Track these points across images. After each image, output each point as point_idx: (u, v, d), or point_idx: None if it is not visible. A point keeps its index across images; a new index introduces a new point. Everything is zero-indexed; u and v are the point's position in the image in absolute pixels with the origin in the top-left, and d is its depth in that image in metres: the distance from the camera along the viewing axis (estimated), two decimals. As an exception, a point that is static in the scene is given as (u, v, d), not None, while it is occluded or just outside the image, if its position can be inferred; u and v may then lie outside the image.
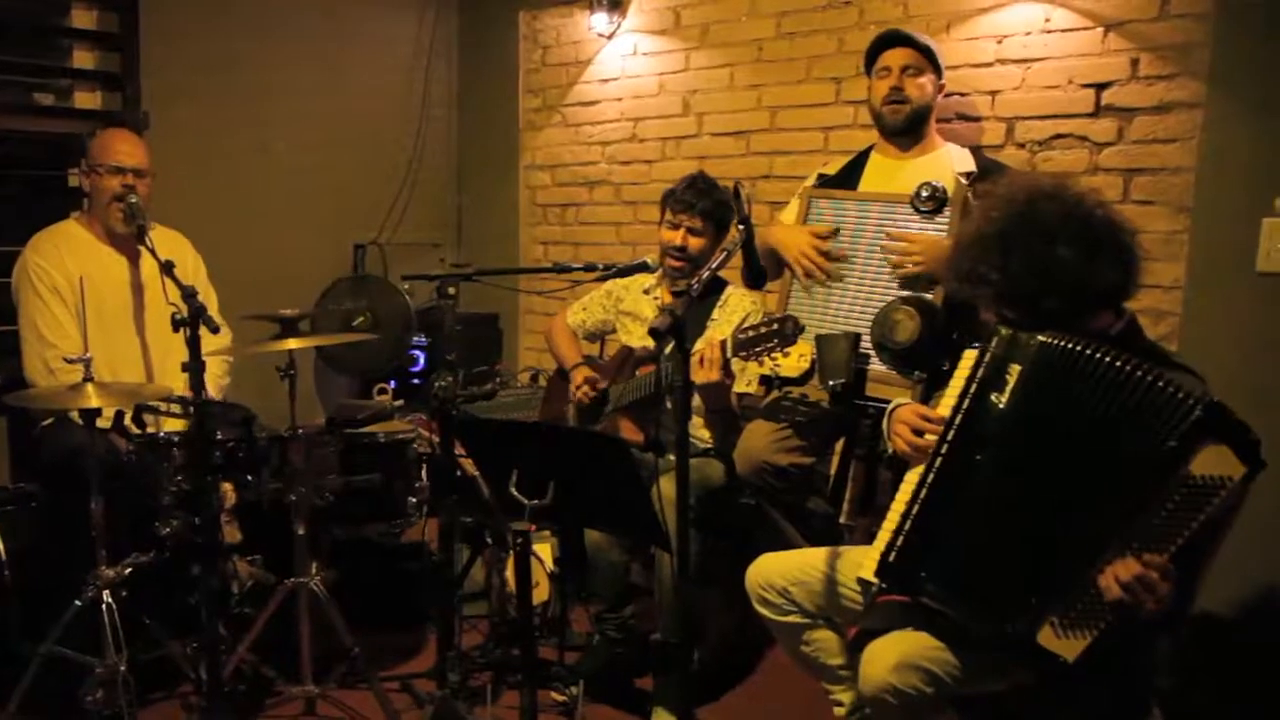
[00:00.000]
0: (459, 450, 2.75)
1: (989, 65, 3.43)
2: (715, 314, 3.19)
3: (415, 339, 4.84)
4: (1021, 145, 3.38)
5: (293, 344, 2.82)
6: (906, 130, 3.04)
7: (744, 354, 2.57)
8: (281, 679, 2.96)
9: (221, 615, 2.79)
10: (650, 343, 2.83)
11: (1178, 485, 1.72)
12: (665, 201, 3.21)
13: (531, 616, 2.38)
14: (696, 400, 2.93)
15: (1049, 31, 3.29)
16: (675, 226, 3.16)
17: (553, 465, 2.24)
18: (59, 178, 4.01)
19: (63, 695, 2.63)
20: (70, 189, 3.96)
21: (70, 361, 2.66)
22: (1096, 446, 1.83)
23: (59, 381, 2.96)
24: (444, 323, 2.71)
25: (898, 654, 1.97)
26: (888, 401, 2.35)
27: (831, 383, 2.65)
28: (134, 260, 3.27)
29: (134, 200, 3.04)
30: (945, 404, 2.05)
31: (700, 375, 2.68)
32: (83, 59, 4.14)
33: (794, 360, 2.51)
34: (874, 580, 2.09)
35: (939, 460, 2.01)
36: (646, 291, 3.36)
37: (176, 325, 2.41)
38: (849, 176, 3.11)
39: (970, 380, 1.99)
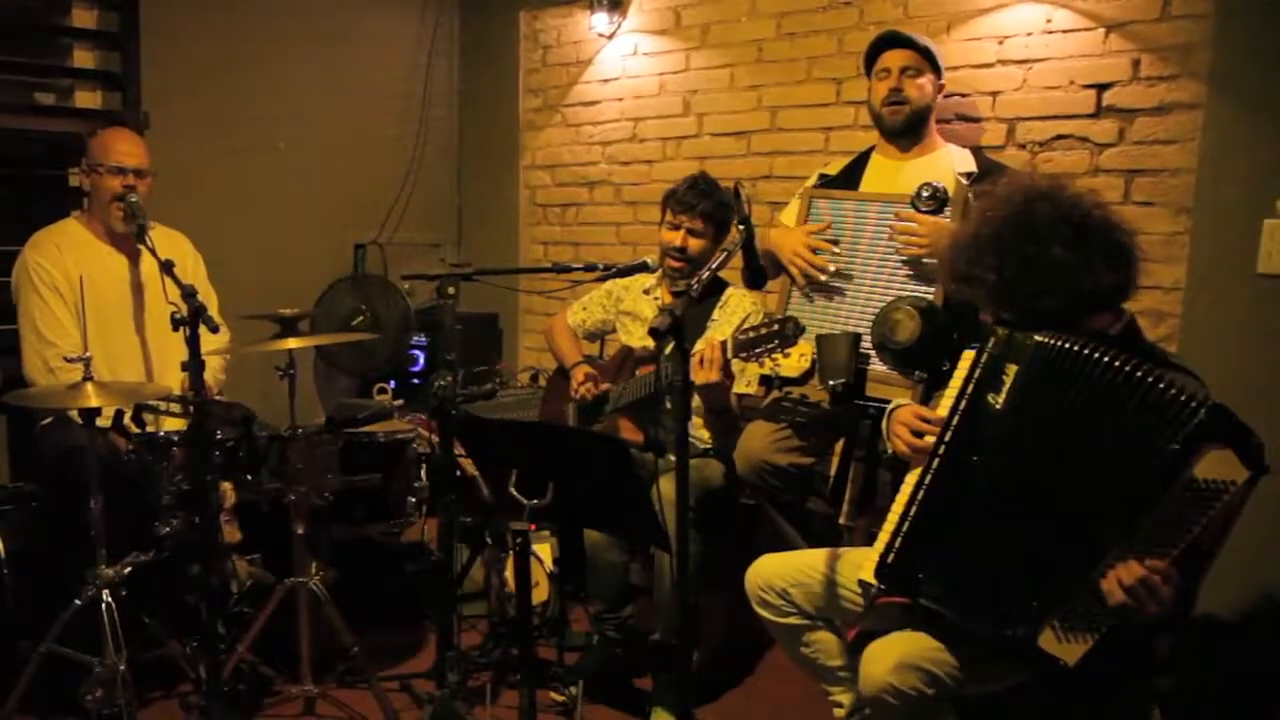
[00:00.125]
0: (458, 450, 2.75)
1: (990, 66, 3.43)
2: (715, 314, 3.19)
3: (415, 339, 4.84)
4: (1022, 146, 3.38)
5: (292, 343, 2.82)
6: (906, 131, 3.04)
7: (744, 355, 2.57)
8: (281, 678, 2.97)
9: (221, 615, 2.79)
10: (650, 343, 2.83)
11: (1180, 489, 1.70)
12: (666, 202, 3.21)
13: (531, 616, 2.38)
14: (696, 401, 2.93)
15: (1050, 32, 3.29)
16: (675, 227, 3.16)
17: (552, 465, 2.24)
18: (59, 177, 4.00)
19: (62, 694, 2.63)
20: (70, 188, 3.96)
21: (70, 360, 2.66)
22: (1096, 448, 1.82)
23: (59, 380, 2.96)
24: (444, 322, 2.71)
25: (897, 655, 1.97)
26: (888, 402, 2.34)
27: (832, 383, 2.65)
28: (134, 259, 3.27)
29: (134, 200, 3.04)
30: (944, 405, 2.05)
31: (701, 375, 2.68)
32: (83, 58, 4.14)
33: (794, 360, 2.51)
34: (873, 582, 2.09)
35: (936, 462, 2.01)
36: (647, 291, 3.36)
37: (176, 324, 2.41)
38: (850, 177, 3.11)
39: (967, 381, 1.99)
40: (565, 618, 3.28)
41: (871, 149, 3.16)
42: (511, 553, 2.24)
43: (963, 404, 1.98)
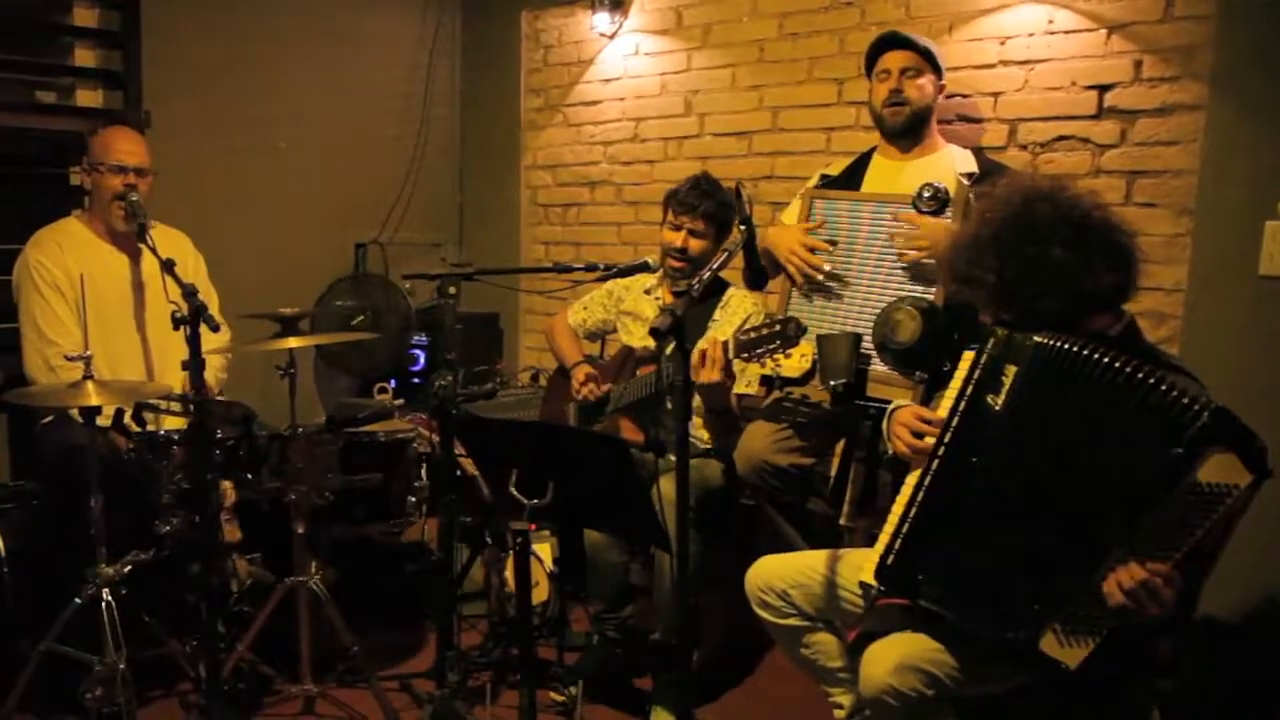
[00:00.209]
0: (459, 450, 2.75)
1: (991, 67, 3.43)
2: (717, 315, 3.19)
3: (415, 338, 4.84)
4: (1024, 147, 3.37)
5: (293, 343, 2.82)
6: (907, 132, 3.04)
7: (746, 355, 2.57)
8: (280, 677, 2.97)
9: (221, 613, 2.79)
10: (651, 343, 2.83)
11: (1183, 492, 1.69)
12: (668, 203, 3.21)
13: (531, 616, 2.38)
14: (695, 401, 2.93)
15: (1052, 33, 3.28)
16: (677, 228, 3.16)
17: (552, 465, 2.24)
18: (60, 176, 4.00)
19: (62, 693, 2.63)
20: (71, 187, 3.96)
21: (71, 359, 2.67)
22: (1097, 450, 1.81)
23: (59, 379, 2.96)
24: (444, 322, 2.70)
25: (898, 656, 1.97)
26: (889, 402, 2.34)
27: (833, 383, 2.65)
28: (135, 258, 3.27)
29: (135, 199, 3.04)
30: (943, 406, 2.04)
31: (703, 375, 2.68)
32: (84, 57, 4.14)
33: (795, 361, 2.51)
34: (873, 583, 2.08)
35: (936, 463, 2.00)
36: (648, 291, 3.36)
37: (177, 323, 2.41)
38: (851, 178, 3.11)
39: (967, 382, 1.99)
40: (565, 618, 3.28)
41: (873, 150, 3.17)
42: (511, 552, 2.24)
43: (962, 405, 1.98)
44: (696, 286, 2.16)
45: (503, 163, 5.22)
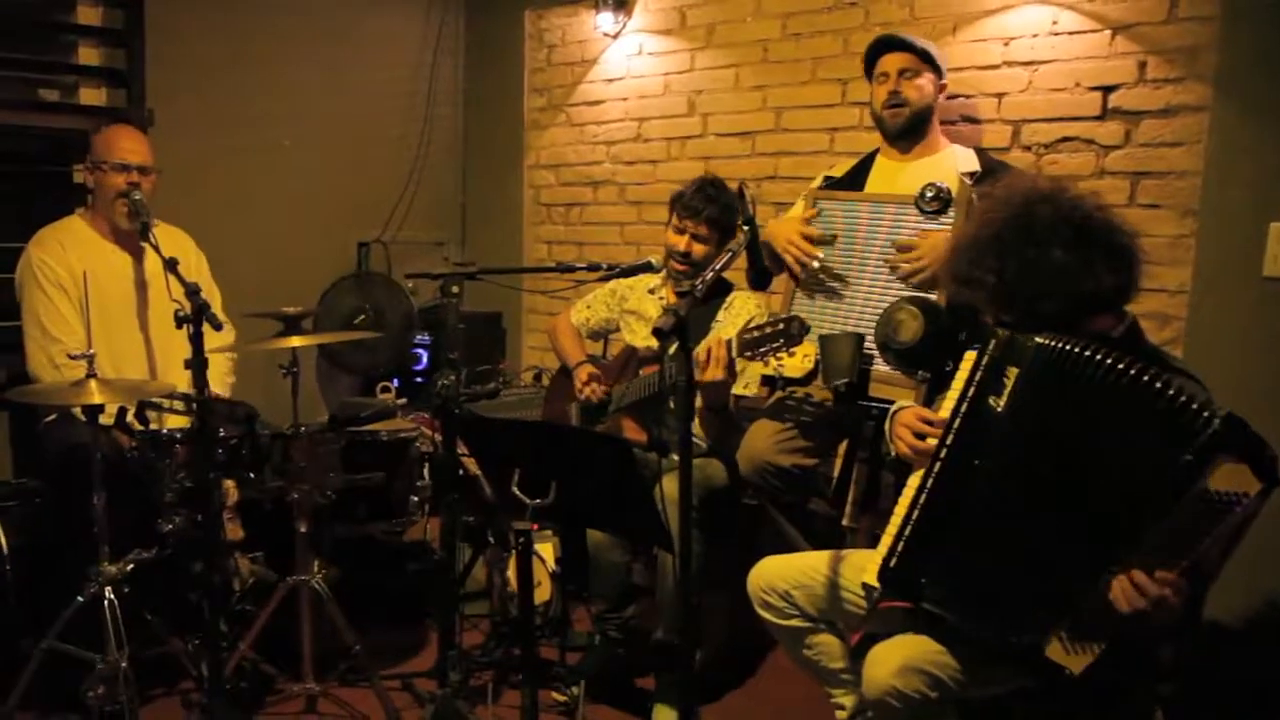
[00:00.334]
0: (461, 449, 2.74)
1: (995, 67, 3.43)
2: (720, 316, 3.19)
3: (418, 337, 4.84)
4: (1028, 148, 3.37)
5: (296, 342, 2.82)
6: (907, 133, 3.05)
7: (749, 353, 2.57)
8: (282, 676, 2.97)
9: (223, 612, 2.79)
10: (654, 342, 2.82)
11: (1192, 500, 1.67)
12: (673, 205, 3.20)
13: (533, 616, 2.37)
14: (697, 400, 2.93)
15: (1056, 34, 3.28)
16: (681, 231, 3.15)
17: (555, 465, 2.24)
18: (63, 174, 4.01)
19: (64, 691, 2.63)
20: (75, 185, 3.97)
21: (74, 357, 2.67)
22: (1101, 453, 1.80)
23: (63, 377, 2.96)
24: (447, 321, 2.70)
25: (901, 658, 1.96)
26: (891, 402, 2.34)
27: (835, 383, 2.65)
28: (138, 257, 3.28)
29: (138, 197, 3.04)
30: (945, 407, 2.04)
31: (706, 374, 2.68)
32: (88, 55, 4.14)
33: (798, 360, 2.51)
34: (876, 585, 2.08)
35: (938, 465, 2.00)
36: (651, 291, 3.36)
37: (179, 322, 2.41)
38: (855, 179, 3.12)
39: (968, 384, 1.98)
40: (567, 617, 3.28)
41: (876, 151, 3.17)
42: (514, 552, 2.24)
43: (964, 407, 1.97)
44: (700, 287, 2.16)
45: (506, 162, 5.22)
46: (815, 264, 2.83)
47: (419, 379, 4.85)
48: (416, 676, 3.09)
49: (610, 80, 4.71)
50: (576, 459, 2.28)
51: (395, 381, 4.58)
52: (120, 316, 3.22)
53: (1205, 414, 1.67)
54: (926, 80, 3.02)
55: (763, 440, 2.95)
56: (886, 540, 2.06)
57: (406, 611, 3.51)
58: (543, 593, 3.37)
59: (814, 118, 3.96)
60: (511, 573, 3.24)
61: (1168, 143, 3.10)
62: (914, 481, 2.06)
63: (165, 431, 2.90)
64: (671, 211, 3.21)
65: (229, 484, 2.96)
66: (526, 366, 4.90)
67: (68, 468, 2.85)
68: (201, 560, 2.69)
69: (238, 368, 3.51)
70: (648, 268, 2.92)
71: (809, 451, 2.94)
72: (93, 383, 2.54)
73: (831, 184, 3.13)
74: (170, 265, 2.60)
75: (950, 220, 2.70)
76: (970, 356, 2.00)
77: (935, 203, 2.71)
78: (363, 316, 4.66)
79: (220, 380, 3.34)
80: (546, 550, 3.37)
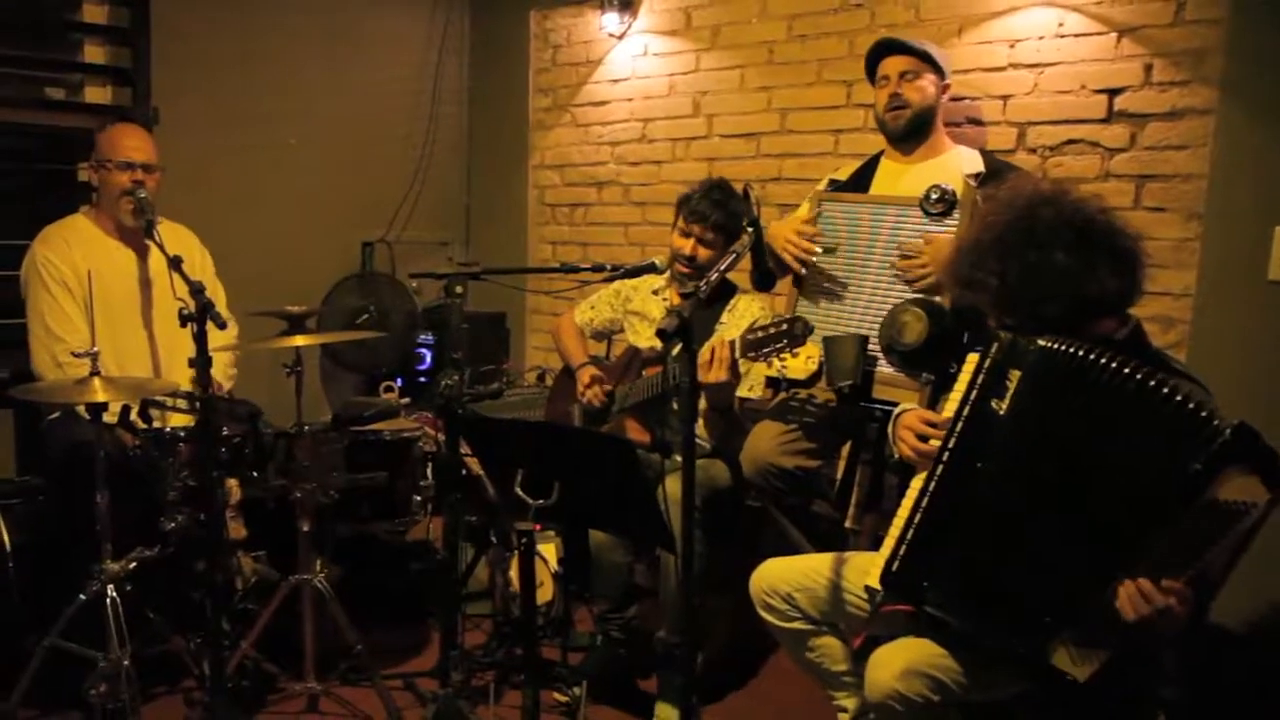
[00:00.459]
0: (464, 449, 2.74)
1: (1001, 70, 3.42)
2: (724, 318, 3.18)
3: (422, 337, 4.85)
4: (1033, 150, 3.36)
5: (299, 341, 2.82)
6: (910, 135, 3.04)
7: (752, 354, 2.57)
8: (284, 675, 2.97)
9: (225, 611, 2.79)
10: (657, 343, 2.82)
11: (1200, 509, 1.65)
12: (680, 207, 3.19)
13: (535, 616, 2.37)
14: (701, 402, 2.92)
15: (1062, 36, 3.27)
16: (687, 235, 3.15)
17: (558, 465, 2.24)
18: (69, 172, 4.02)
19: (66, 688, 2.63)
20: (79, 183, 3.97)
21: (78, 355, 2.67)
22: (1106, 458, 1.79)
23: (66, 375, 2.96)
24: (451, 321, 2.70)
25: (904, 661, 1.96)
26: (895, 404, 2.33)
27: (839, 385, 2.64)
28: (142, 255, 3.28)
29: (143, 195, 3.05)
30: (948, 409, 2.03)
31: (710, 375, 2.68)
32: (93, 54, 4.15)
33: (801, 362, 2.51)
34: (879, 588, 2.08)
35: (940, 469, 1.99)
36: (655, 292, 3.35)
37: (184, 320, 2.41)
38: (859, 181, 3.11)
39: (971, 386, 1.97)
40: (569, 618, 3.28)
41: (881, 153, 3.17)
42: (516, 552, 2.24)
43: (966, 410, 1.97)
44: (704, 288, 2.16)
45: (510, 162, 5.22)
46: (813, 259, 2.83)
47: (422, 379, 4.85)
48: (418, 676, 3.09)
49: (615, 81, 4.70)
50: (579, 459, 2.28)
51: (399, 381, 4.59)
52: (124, 314, 3.23)
53: (1215, 423, 1.65)
54: (928, 82, 3.02)
55: (766, 442, 2.95)
56: (889, 543, 2.05)
57: (409, 611, 3.51)
58: (545, 593, 3.37)
59: (819, 119, 3.95)
60: (514, 573, 3.24)
61: (1173, 146, 3.10)
62: (916, 484, 2.06)
63: (168, 430, 2.91)
64: (678, 214, 3.20)
65: (232, 483, 2.96)
66: (530, 367, 4.90)
67: (71, 466, 2.85)
68: (204, 559, 2.69)
69: (242, 366, 3.51)
70: (652, 269, 2.92)
71: (812, 453, 2.94)
72: (96, 381, 2.55)
73: (836, 187, 3.13)
74: (174, 263, 2.60)
75: (955, 222, 2.70)
76: (973, 359, 2.00)
77: (940, 205, 2.71)
78: (366, 316, 4.67)
79: (223, 371, 3.34)
80: (549, 550, 3.37)
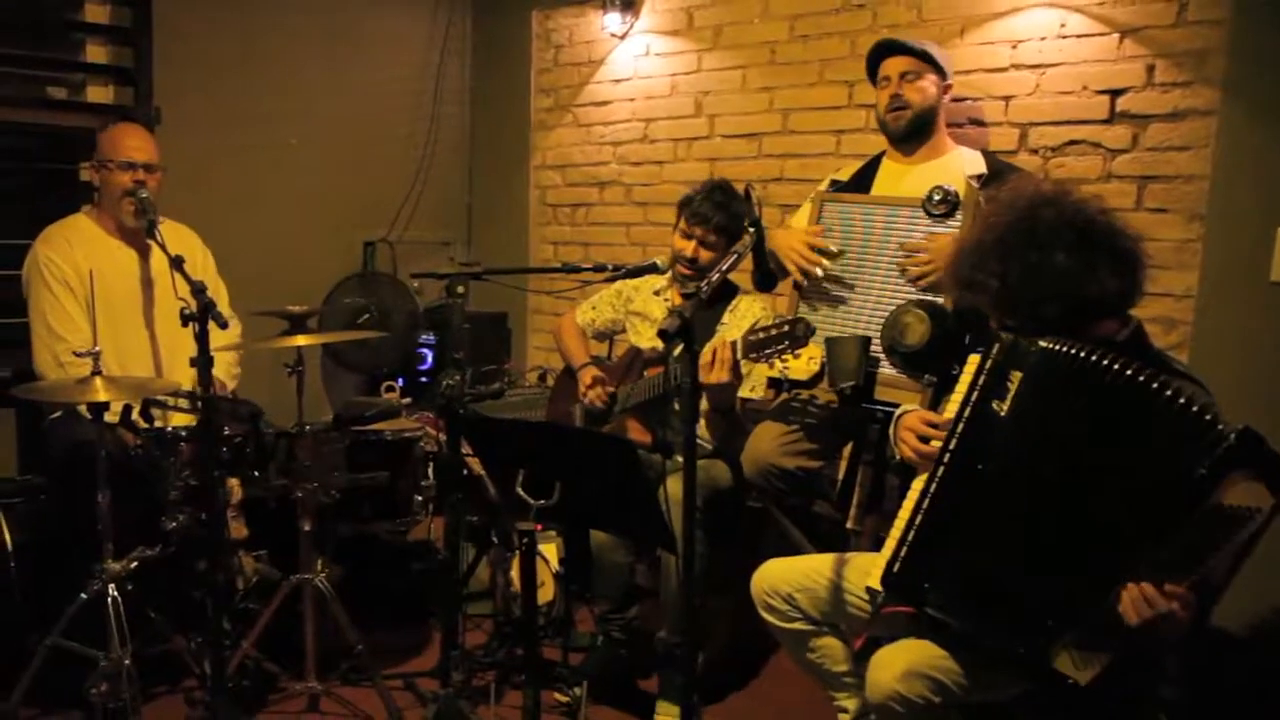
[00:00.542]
0: (465, 449, 2.74)
1: (1003, 70, 3.42)
2: (725, 318, 3.18)
3: (423, 337, 4.85)
4: (1035, 151, 3.36)
5: (301, 341, 2.82)
6: (911, 135, 3.04)
7: (754, 355, 2.57)
8: (285, 675, 2.97)
9: (226, 610, 2.79)
10: (659, 344, 2.82)
11: (1204, 514, 1.64)
12: (682, 209, 3.19)
13: (536, 616, 2.37)
14: (703, 403, 2.92)
15: (1064, 37, 3.27)
16: (688, 237, 3.15)
17: (559, 465, 2.24)
18: (70, 171, 4.02)
19: (67, 688, 2.64)
20: (81, 183, 3.98)
21: (79, 355, 2.67)
22: (1108, 461, 1.78)
23: (68, 375, 2.97)
24: (452, 321, 2.70)
25: (905, 662, 1.96)
26: (897, 405, 2.33)
27: (841, 386, 2.64)
28: (144, 254, 3.28)
29: (145, 195, 3.05)
30: (949, 410, 2.03)
31: (712, 376, 2.68)
32: (96, 53, 4.15)
33: (803, 363, 2.51)
34: (880, 589, 2.08)
35: (941, 470, 1.99)
36: (657, 293, 3.35)
37: (185, 320, 2.41)
38: (861, 182, 3.11)
39: (972, 388, 1.97)
40: (570, 618, 3.28)
41: (882, 154, 3.17)
42: (517, 552, 2.24)
43: (967, 411, 1.97)
44: (705, 289, 2.16)
45: (512, 162, 5.22)
46: (819, 273, 2.83)
47: (424, 379, 4.85)
48: (419, 676, 3.09)
49: (617, 81, 4.70)
50: (581, 460, 2.27)
51: (400, 381, 4.58)
52: (126, 314, 3.23)
53: (1220, 427, 1.65)
54: (929, 82, 3.02)
55: (767, 442, 2.95)
56: (890, 544, 2.05)
57: (410, 611, 3.51)
58: (546, 593, 3.37)
59: (821, 119, 3.95)
60: (515, 573, 3.24)
61: (1175, 147, 3.09)
62: (918, 485, 2.05)
63: (170, 429, 2.91)
64: (679, 216, 3.20)
65: (233, 482, 2.96)
66: (531, 367, 4.90)
67: (72, 465, 2.85)
68: (205, 558, 2.70)
69: (243, 366, 3.51)
70: (653, 269, 2.92)
71: (813, 454, 2.94)
72: (98, 380, 2.55)
73: (838, 187, 3.13)
74: (176, 263, 2.60)
75: (958, 224, 2.70)
76: (974, 360, 2.00)
77: (943, 206, 2.71)
78: (368, 316, 4.67)
79: (226, 370, 3.34)
80: (550, 551, 3.38)
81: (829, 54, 3.90)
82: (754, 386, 2.99)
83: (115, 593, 2.58)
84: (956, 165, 2.99)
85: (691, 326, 1.97)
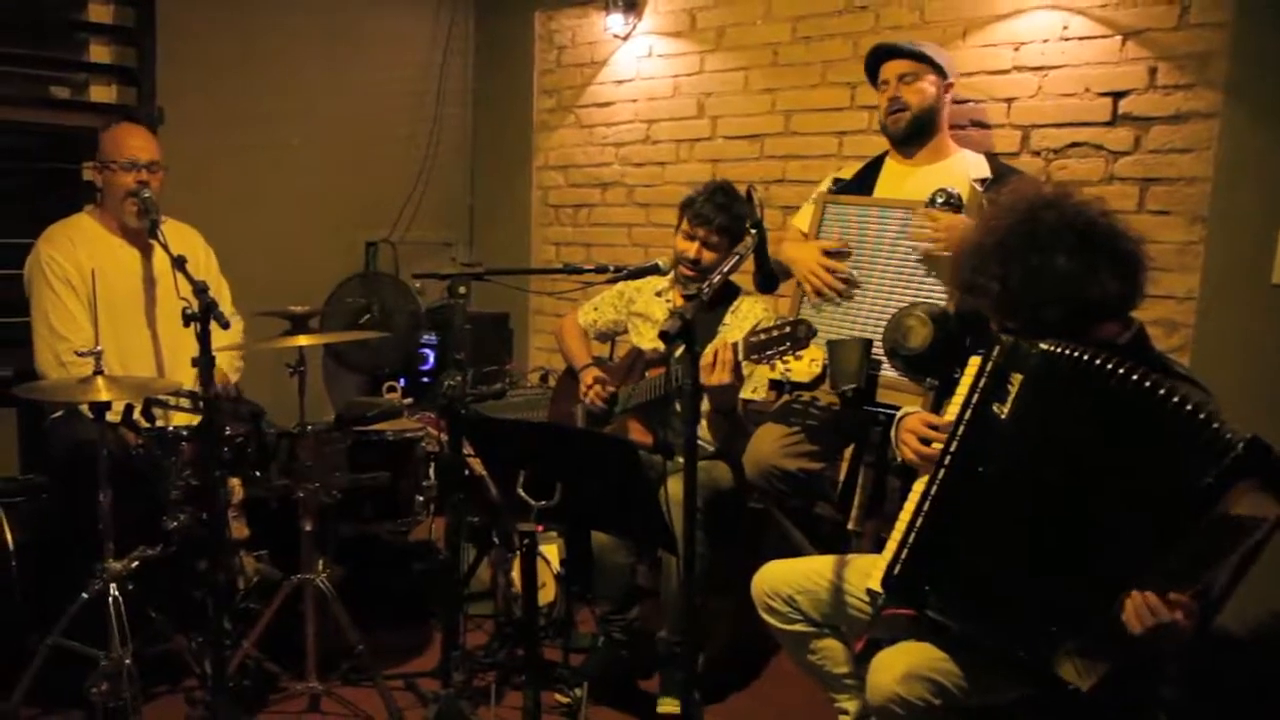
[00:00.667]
0: (467, 450, 2.75)
1: (1005, 72, 3.42)
2: (727, 319, 3.18)
3: (425, 337, 4.85)
4: (1037, 153, 3.36)
5: (303, 341, 2.82)
6: (912, 137, 3.05)
7: (756, 357, 2.57)
8: (286, 675, 2.97)
9: (227, 610, 2.79)
10: (661, 345, 2.82)
11: (1210, 523, 1.63)
12: (684, 210, 3.19)
13: (537, 617, 2.37)
14: (705, 404, 2.92)
15: (1066, 39, 3.27)
16: (691, 238, 3.15)
17: (560, 466, 2.24)
18: (73, 171, 4.02)
19: (68, 687, 2.63)
20: (84, 182, 3.98)
21: (81, 354, 2.67)
22: (1110, 466, 1.77)
23: (70, 374, 2.97)
24: (454, 321, 2.70)
25: (905, 665, 1.96)
26: (898, 408, 2.33)
27: (843, 388, 2.64)
28: (146, 253, 3.28)
29: (148, 195, 3.05)
30: (950, 412, 2.03)
31: (713, 378, 2.68)
32: (99, 53, 4.15)
33: (805, 364, 2.51)
34: (881, 591, 2.07)
35: (942, 473, 1.98)
36: (659, 294, 3.35)
37: (187, 320, 2.42)
38: (864, 182, 3.11)
39: (972, 390, 1.97)
40: (571, 619, 3.27)
41: (885, 153, 3.17)
42: (518, 553, 2.24)
43: (968, 414, 1.96)
44: (706, 290, 2.16)
45: (514, 163, 5.22)
46: (837, 299, 2.84)
47: (425, 379, 4.85)
48: (420, 676, 3.09)
49: (620, 82, 4.70)
50: (582, 460, 2.28)
51: (401, 381, 4.58)
52: (128, 313, 3.23)
53: (1228, 436, 1.63)
54: (928, 83, 3.02)
55: (769, 444, 2.95)
56: (891, 546, 2.05)
57: (410, 611, 3.51)
58: (547, 594, 3.37)
59: (823, 121, 3.95)
60: (516, 573, 3.24)
61: (1177, 149, 3.09)
62: (919, 488, 2.05)
63: (171, 429, 2.91)
64: (681, 217, 3.20)
65: (234, 482, 2.96)
66: (533, 367, 4.89)
67: (74, 464, 2.85)
68: (206, 558, 2.70)
69: (245, 366, 3.51)
70: (655, 270, 2.92)
71: (815, 456, 2.94)
72: (99, 380, 2.55)
73: (840, 186, 3.13)
74: (178, 263, 2.60)
75: (964, 218, 2.70)
76: (975, 362, 1.99)
77: (945, 208, 2.71)
78: (370, 316, 4.67)
79: (229, 363, 3.34)
80: (551, 551, 3.38)
81: (831, 55, 3.90)
82: (756, 388, 2.99)
83: (116, 592, 2.58)
84: (960, 168, 2.99)
85: (693, 328, 1.97)
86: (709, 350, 2.72)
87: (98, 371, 2.56)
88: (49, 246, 3.15)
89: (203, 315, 2.40)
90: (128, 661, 2.55)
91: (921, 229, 2.71)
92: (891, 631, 2.05)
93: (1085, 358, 1.81)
